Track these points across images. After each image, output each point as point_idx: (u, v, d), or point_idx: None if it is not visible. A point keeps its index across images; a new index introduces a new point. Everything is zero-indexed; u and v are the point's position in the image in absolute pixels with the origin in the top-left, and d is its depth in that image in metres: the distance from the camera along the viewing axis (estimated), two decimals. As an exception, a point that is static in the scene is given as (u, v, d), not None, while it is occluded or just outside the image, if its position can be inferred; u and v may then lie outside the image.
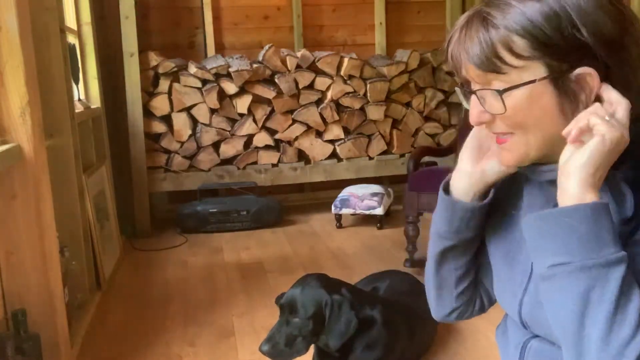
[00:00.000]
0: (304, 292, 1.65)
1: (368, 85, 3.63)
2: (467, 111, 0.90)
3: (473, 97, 0.80)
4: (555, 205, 0.84)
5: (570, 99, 0.75)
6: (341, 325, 1.61)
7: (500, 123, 0.80)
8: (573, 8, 0.73)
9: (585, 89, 0.75)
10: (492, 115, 0.79)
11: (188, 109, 3.47)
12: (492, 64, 0.76)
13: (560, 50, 0.73)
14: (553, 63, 0.74)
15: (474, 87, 0.81)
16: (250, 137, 3.58)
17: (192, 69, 3.41)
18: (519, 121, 0.78)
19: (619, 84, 0.75)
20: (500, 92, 0.76)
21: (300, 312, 1.62)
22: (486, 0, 0.79)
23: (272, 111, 3.56)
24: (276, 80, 3.50)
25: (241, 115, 3.53)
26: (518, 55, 0.75)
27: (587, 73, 0.74)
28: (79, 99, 2.86)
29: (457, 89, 0.87)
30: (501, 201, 0.96)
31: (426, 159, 2.85)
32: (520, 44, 0.74)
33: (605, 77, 0.74)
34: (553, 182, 0.83)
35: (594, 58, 0.74)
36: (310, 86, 3.59)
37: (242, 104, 3.48)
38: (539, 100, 0.76)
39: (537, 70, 0.75)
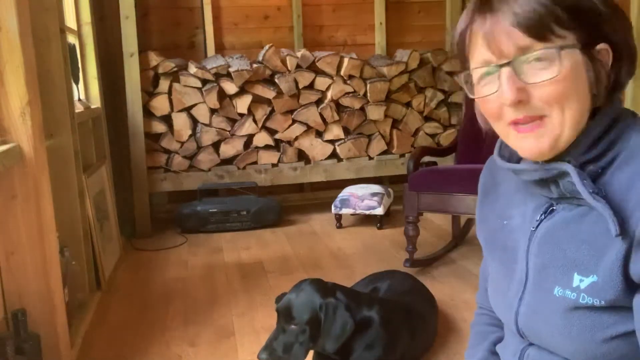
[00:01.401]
0: (298, 298, 1.66)
1: (368, 85, 3.63)
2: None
3: (504, 73, 0.76)
4: (546, 211, 0.84)
5: (595, 73, 0.77)
6: (337, 328, 1.61)
7: (537, 101, 0.76)
8: None
9: (604, 66, 0.77)
10: (528, 92, 0.76)
11: (188, 109, 3.47)
12: (544, 25, 0.73)
13: (589, 22, 0.75)
14: (582, 35, 0.75)
15: (508, 59, 0.76)
16: (250, 137, 3.58)
17: (192, 69, 3.41)
18: (563, 92, 0.75)
19: (625, 60, 0.79)
20: (559, 49, 0.74)
21: (296, 319, 1.63)
22: None
23: (272, 111, 3.56)
24: (276, 80, 3.50)
25: (241, 115, 3.53)
26: (562, 23, 0.74)
27: (605, 48, 0.77)
28: (79, 99, 2.86)
29: (473, 72, 0.81)
30: (493, 211, 0.97)
31: (426, 159, 2.84)
32: (563, 15, 0.74)
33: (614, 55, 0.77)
34: (541, 182, 0.83)
35: (606, 33, 0.77)
36: (310, 86, 3.58)
37: (242, 104, 3.48)
38: (579, 70, 0.75)
39: (572, 41, 0.75)
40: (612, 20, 0.77)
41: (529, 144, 0.78)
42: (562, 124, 0.76)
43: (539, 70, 0.75)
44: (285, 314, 1.65)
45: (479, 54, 0.79)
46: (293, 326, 1.62)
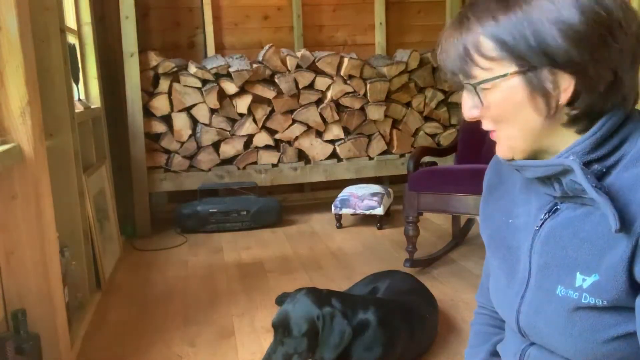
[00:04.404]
0: (294, 309, 1.66)
1: (368, 85, 3.63)
2: None
3: (464, 93, 0.85)
4: (550, 210, 0.84)
5: (543, 95, 0.77)
6: (335, 338, 1.62)
7: (487, 120, 0.84)
8: (540, 17, 0.74)
9: (556, 86, 0.76)
10: (480, 111, 0.83)
11: (188, 109, 3.47)
12: (464, 64, 0.80)
13: (527, 54, 0.76)
14: (522, 62, 0.77)
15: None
16: (250, 137, 3.58)
17: (192, 69, 3.41)
18: (496, 116, 0.82)
19: (585, 84, 0.76)
20: (474, 85, 0.81)
21: (294, 331, 1.63)
22: (469, 2, 0.83)
23: (272, 111, 3.56)
24: (276, 80, 3.50)
25: (241, 115, 3.53)
26: (486, 57, 0.78)
27: (555, 72, 0.76)
28: (79, 99, 2.86)
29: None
30: (498, 209, 0.97)
31: (426, 159, 2.84)
32: (488, 46, 0.78)
33: (577, 75, 0.76)
34: (544, 180, 0.83)
35: (565, 59, 0.75)
36: (310, 86, 3.59)
37: (242, 104, 3.48)
38: (512, 96, 0.79)
39: (507, 68, 0.78)
40: (567, 48, 0.74)
41: (497, 145, 0.86)
42: (509, 138, 0.83)
43: (476, 98, 0.82)
44: (282, 327, 1.65)
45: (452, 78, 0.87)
46: (291, 338, 1.63)
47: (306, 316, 1.63)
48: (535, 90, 0.77)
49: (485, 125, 0.85)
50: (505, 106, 0.80)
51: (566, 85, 0.76)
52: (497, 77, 0.78)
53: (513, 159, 0.85)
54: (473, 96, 0.83)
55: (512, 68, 0.77)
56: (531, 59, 0.76)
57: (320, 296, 1.70)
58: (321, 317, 1.62)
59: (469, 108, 0.84)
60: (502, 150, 0.85)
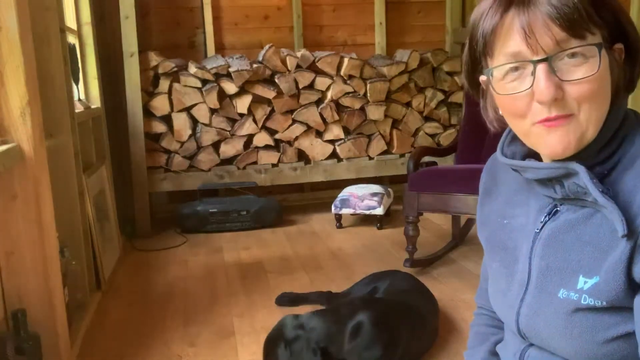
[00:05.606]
0: (270, 335, 1.73)
1: (368, 85, 3.63)
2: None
3: (541, 69, 0.73)
4: (550, 212, 0.83)
5: (616, 73, 0.77)
6: None
7: (570, 99, 0.74)
8: None
9: (620, 65, 0.77)
10: (562, 90, 0.73)
11: (188, 109, 3.47)
12: (580, 21, 0.72)
13: (611, 18, 0.75)
14: (606, 32, 0.75)
15: (544, 54, 0.74)
16: (250, 137, 3.58)
17: (192, 69, 3.41)
18: (596, 90, 0.74)
19: (630, 60, 0.78)
20: (600, 46, 0.73)
21: (270, 357, 1.69)
22: None
23: (272, 111, 3.56)
24: (276, 80, 3.50)
25: (241, 115, 3.53)
26: (593, 19, 0.73)
27: (620, 48, 0.76)
28: (79, 99, 2.86)
29: (498, 67, 0.77)
30: (494, 211, 0.96)
31: (426, 159, 2.84)
32: (592, 7, 0.74)
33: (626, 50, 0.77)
34: (545, 182, 0.82)
35: (624, 32, 0.76)
36: (310, 86, 3.58)
37: (242, 104, 3.48)
38: (607, 69, 0.75)
39: (600, 39, 0.74)
40: (627, 18, 0.76)
41: (555, 139, 0.76)
42: (589, 121, 0.75)
43: (574, 67, 0.73)
44: (264, 352, 1.72)
45: (510, 48, 0.76)
46: None
47: (274, 345, 1.69)
48: (612, 66, 0.76)
49: (561, 109, 0.74)
50: (606, 79, 0.75)
51: (621, 65, 0.77)
52: (604, 45, 0.74)
53: (562, 156, 0.77)
54: (579, 62, 0.73)
55: (602, 39, 0.74)
56: (615, 29, 0.75)
57: (295, 322, 1.72)
58: (288, 348, 1.66)
59: (556, 85, 0.73)
60: (568, 140, 0.75)
